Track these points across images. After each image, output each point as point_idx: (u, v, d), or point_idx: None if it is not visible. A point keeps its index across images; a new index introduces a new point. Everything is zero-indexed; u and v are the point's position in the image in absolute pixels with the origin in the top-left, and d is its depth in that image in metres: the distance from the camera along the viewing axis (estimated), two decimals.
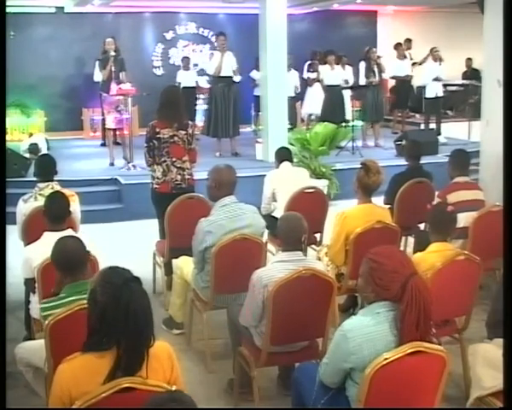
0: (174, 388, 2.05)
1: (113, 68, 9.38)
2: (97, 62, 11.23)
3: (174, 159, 5.43)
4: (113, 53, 9.44)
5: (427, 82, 11.46)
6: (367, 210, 4.55)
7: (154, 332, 2.38)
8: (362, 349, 2.57)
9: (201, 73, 12.91)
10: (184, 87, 11.13)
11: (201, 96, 12.47)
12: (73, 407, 2.18)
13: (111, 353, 2.28)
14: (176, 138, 5.41)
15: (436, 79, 11.28)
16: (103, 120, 11.32)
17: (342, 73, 11.60)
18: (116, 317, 2.25)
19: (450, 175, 5.31)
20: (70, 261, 3.10)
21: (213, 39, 13.91)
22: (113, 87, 9.29)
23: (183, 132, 5.45)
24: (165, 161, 5.41)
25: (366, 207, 4.58)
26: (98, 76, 11.07)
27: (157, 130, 5.38)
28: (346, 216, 4.48)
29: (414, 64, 12.19)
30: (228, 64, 9.76)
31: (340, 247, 4.48)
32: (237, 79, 10.14)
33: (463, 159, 5.42)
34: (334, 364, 2.72)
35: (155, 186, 5.49)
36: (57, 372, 2.34)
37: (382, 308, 2.62)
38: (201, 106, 12.92)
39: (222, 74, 9.75)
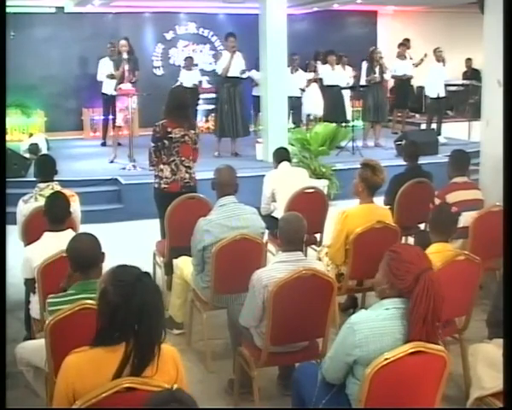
0: (175, 387, 2.01)
1: (126, 68, 9.44)
2: (100, 62, 11.25)
3: (183, 158, 5.46)
4: (125, 55, 9.53)
5: (430, 82, 11.44)
6: (368, 210, 4.56)
7: None
8: (368, 343, 2.57)
9: (201, 73, 12.91)
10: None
11: (202, 96, 12.47)
12: (74, 406, 2.18)
13: (120, 348, 2.27)
14: (186, 138, 5.45)
15: (439, 80, 11.25)
16: (105, 119, 11.37)
17: (343, 73, 11.58)
18: (130, 314, 2.24)
19: (449, 175, 5.32)
20: (85, 259, 3.08)
21: (213, 39, 13.95)
22: (126, 87, 9.40)
23: (193, 132, 5.52)
24: (173, 161, 5.43)
25: (368, 206, 4.59)
26: (101, 76, 11.08)
27: (168, 129, 5.39)
28: (347, 215, 4.49)
29: (413, 65, 12.17)
30: (236, 65, 9.73)
31: (341, 245, 4.48)
32: (245, 75, 10.09)
33: (463, 159, 5.42)
34: (338, 357, 2.72)
35: (164, 186, 5.47)
36: (64, 363, 2.32)
37: (392, 305, 2.62)
38: (201, 106, 12.93)
39: (229, 75, 9.72)
